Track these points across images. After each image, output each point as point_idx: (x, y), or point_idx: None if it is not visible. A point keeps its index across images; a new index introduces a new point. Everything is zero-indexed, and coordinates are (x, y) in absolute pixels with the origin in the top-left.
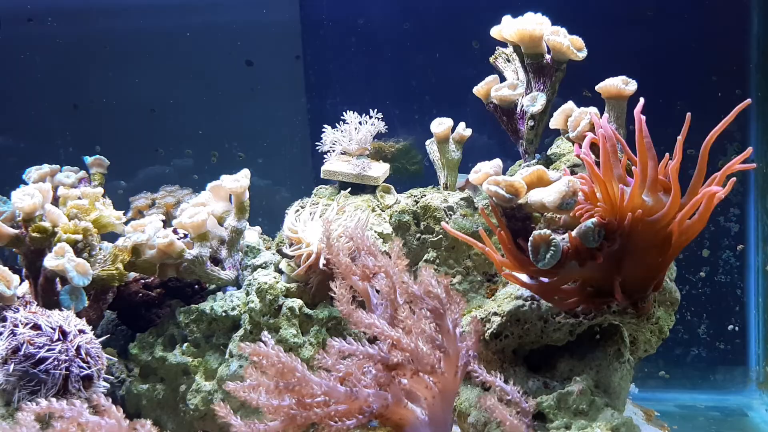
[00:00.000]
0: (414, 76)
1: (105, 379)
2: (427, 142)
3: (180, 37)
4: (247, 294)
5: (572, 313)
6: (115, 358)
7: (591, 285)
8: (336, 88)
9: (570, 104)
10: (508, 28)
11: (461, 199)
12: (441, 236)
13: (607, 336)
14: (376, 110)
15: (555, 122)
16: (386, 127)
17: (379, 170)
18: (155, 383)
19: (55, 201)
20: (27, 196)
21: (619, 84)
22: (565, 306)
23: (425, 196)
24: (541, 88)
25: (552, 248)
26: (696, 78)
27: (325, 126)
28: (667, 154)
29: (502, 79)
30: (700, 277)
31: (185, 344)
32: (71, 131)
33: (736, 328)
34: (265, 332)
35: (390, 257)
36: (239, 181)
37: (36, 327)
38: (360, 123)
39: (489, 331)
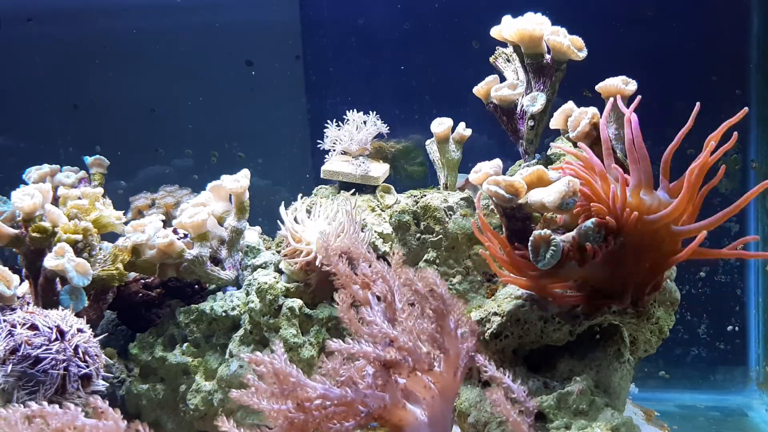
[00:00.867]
0: (414, 76)
1: (104, 378)
2: (427, 142)
3: (180, 37)
4: (247, 294)
5: (572, 313)
6: (114, 358)
7: (591, 285)
8: (336, 88)
9: (570, 104)
10: (508, 28)
11: (461, 199)
12: (441, 236)
13: (607, 336)
14: (376, 111)
15: (555, 122)
16: (387, 127)
17: (379, 170)
18: (155, 383)
19: (55, 201)
20: (27, 196)
21: (619, 84)
22: (565, 304)
23: (425, 196)
24: (541, 88)
25: (552, 248)
26: (696, 78)
27: (328, 122)
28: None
29: (502, 79)
30: (700, 277)
31: (185, 344)
32: (71, 131)
33: (736, 328)
34: (277, 341)
35: (387, 262)
36: (239, 181)
37: (33, 327)
38: (363, 123)
39: (489, 331)
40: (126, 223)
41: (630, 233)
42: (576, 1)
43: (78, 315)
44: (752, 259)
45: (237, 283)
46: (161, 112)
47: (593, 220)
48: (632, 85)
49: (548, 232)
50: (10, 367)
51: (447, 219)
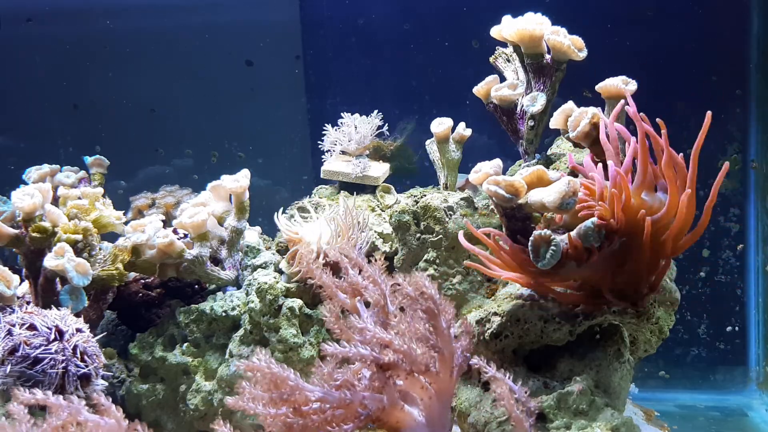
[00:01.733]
0: (414, 76)
1: (103, 377)
2: (427, 142)
3: (180, 37)
4: (247, 294)
5: (572, 313)
6: (114, 358)
7: (591, 285)
8: (336, 88)
9: (570, 104)
10: (508, 28)
11: (461, 199)
12: (441, 236)
13: (607, 336)
14: (376, 110)
15: (555, 122)
16: (387, 127)
17: (379, 170)
18: (155, 383)
19: (55, 201)
20: (27, 196)
21: (619, 84)
22: (566, 302)
23: (425, 196)
24: (541, 88)
25: (552, 248)
26: (696, 78)
27: (327, 126)
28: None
29: (502, 79)
30: (700, 277)
31: (185, 344)
32: (71, 131)
33: (736, 328)
34: (258, 348)
35: (374, 265)
36: (239, 181)
37: (32, 327)
38: (360, 123)
39: (489, 331)
40: (126, 223)
41: (631, 234)
42: (576, 1)
43: (78, 315)
44: (751, 259)
45: (237, 283)
46: (161, 112)
47: (593, 219)
48: (632, 85)
49: (548, 232)
50: (9, 368)
51: (447, 219)
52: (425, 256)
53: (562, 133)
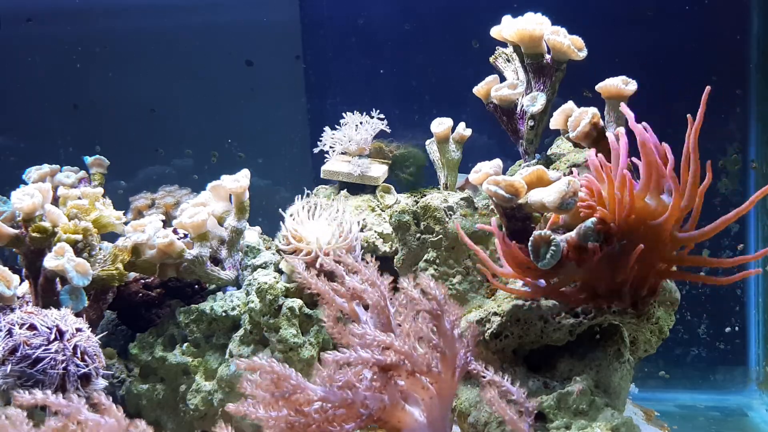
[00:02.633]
0: (414, 76)
1: (104, 377)
2: (427, 142)
3: (180, 37)
4: (247, 294)
5: (572, 313)
6: (114, 358)
7: (591, 286)
8: (336, 88)
9: (570, 104)
10: (508, 28)
11: (461, 199)
12: (441, 236)
13: (607, 336)
14: (376, 110)
15: (555, 122)
16: (388, 127)
17: (379, 170)
18: (155, 383)
19: (55, 201)
20: (27, 196)
21: (619, 84)
22: (566, 303)
23: (425, 196)
24: (541, 88)
25: (552, 248)
26: (696, 78)
27: (326, 128)
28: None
29: (502, 79)
30: None
31: (185, 344)
32: (71, 131)
33: (736, 328)
34: (267, 348)
35: (370, 267)
36: (239, 181)
37: (32, 327)
38: (360, 123)
39: (489, 331)
40: (126, 223)
41: (632, 236)
42: (576, 1)
43: (78, 315)
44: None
45: (237, 283)
46: (161, 112)
47: (593, 220)
48: (632, 85)
49: (548, 232)
50: (9, 368)
51: (447, 219)
52: (425, 256)
53: (562, 133)
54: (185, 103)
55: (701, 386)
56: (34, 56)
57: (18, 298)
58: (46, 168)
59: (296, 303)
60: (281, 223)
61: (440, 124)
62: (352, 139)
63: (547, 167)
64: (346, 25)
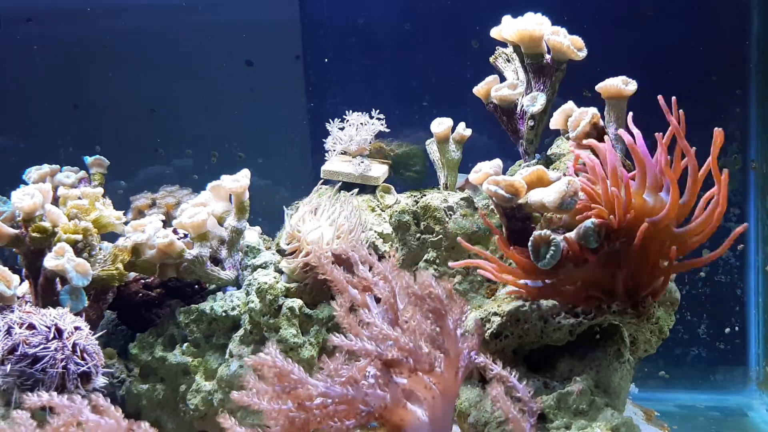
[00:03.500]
0: (414, 76)
1: (103, 375)
2: (427, 142)
3: (180, 37)
4: (247, 294)
5: (572, 313)
6: (114, 358)
7: (591, 285)
8: (336, 88)
9: (570, 104)
10: (508, 28)
11: (461, 199)
12: (441, 236)
13: (607, 336)
14: (376, 110)
15: (555, 122)
16: (388, 127)
17: (379, 170)
18: (155, 383)
19: (55, 201)
20: (27, 196)
21: (619, 84)
22: (566, 303)
23: (425, 196)
24: (541, 88)
25: (552, 248)
26: (696, 78)
27: (330, 121)
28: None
29: (502, 79)
30: (700, 277)
31: (185, 344)
32: (71, 131)
33: (736, 328)
34: (268, 342)
35: (386, 262)
36: (239, 181)
37: (31, 326)
38: (361, 123)
39: (489, 331)
40: (126, 223)
41: (631, 235)
42: (576, 1)
43: (78, 315)
44: (751, 259)
45: (237, 283)
46: (161, 112)
47: (593, 220)
48: (632, 85)
49: (548, 232)
50: (8, 367)
51: (447, 219)
52: (425, 256)
53: (562, 133)
54: (185, 103)
55: (701, 386)
56: (34, 56)
57: (18, 298)
58: (46, 168)
59: (296, 303)
60: (285, 216)
61: (440, 124)
62: (352, 139)
63: (547, 167)
64: (346, 25)
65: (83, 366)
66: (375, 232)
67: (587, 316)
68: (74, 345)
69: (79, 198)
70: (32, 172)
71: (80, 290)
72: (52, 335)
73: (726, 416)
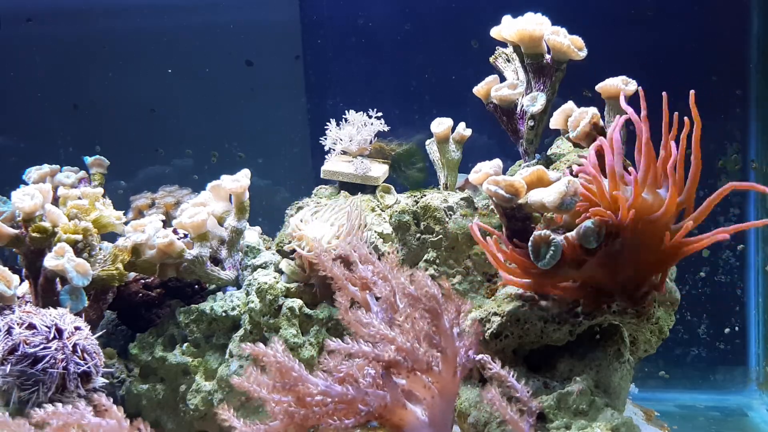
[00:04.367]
0: (414, 76)
1: (103, 374)
2: (427, 142)
3: (180, 37)
4: (247, 294)
5: (572, 313)
6: (114, 358)
7: (591, 285)
8: (336, 88)
9: (570, 104)
10: (508, 28)
11: (461, 199)
12: (441, 236)
13: (607, 336)
14: (376, 110)
15: (555, 122)
16: (388, 127)
17: (379, 170)
18: (155, 383)
19: (55, 201)
20: (27, 197)
21: (619, 84)
22: (566, 302)
23: (425, 196)
24: (541, 88)
25: (552, 248)
26: (696, 78)
27: (330, 121)
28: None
29: (502, 79)
30: (700, 277)
31: (185, 344)
32: (71, 131)
33: (736, 328)
34: (274, 337)
35: (386, 261)
36: (239, 181)
37: (31, 326)
38: (362, 123)
39: (489, 331)
40: (126, 223)
41: (630, 233)
42: (576, 1)
43: (78, 315)
44: (751, 259)
45: (237, 283)
46: (161, 112)
47: (593, 220)
48: (632, 85)
49: (548, 232)
50: (9, 367)
51: (447, 219)
52: (425, 256)
53: (562, 133)
54: (185, 103)
55: (701, 386)
56: (34, 56)
57: (18, 298)
58: (46, 168)
59: (296, 303)
60: (285, 216)
61: (440, 124)
62: (353, 139)
63: (547, 167)
64: (346, 25)
65: (84, 366)
66: (375, 232)
67: (587, 316)
68: (74, 345)
69: (79, 198)
70: (32, 172)
71: (80, 290)
72: (52, 335)
73: (726, 416)
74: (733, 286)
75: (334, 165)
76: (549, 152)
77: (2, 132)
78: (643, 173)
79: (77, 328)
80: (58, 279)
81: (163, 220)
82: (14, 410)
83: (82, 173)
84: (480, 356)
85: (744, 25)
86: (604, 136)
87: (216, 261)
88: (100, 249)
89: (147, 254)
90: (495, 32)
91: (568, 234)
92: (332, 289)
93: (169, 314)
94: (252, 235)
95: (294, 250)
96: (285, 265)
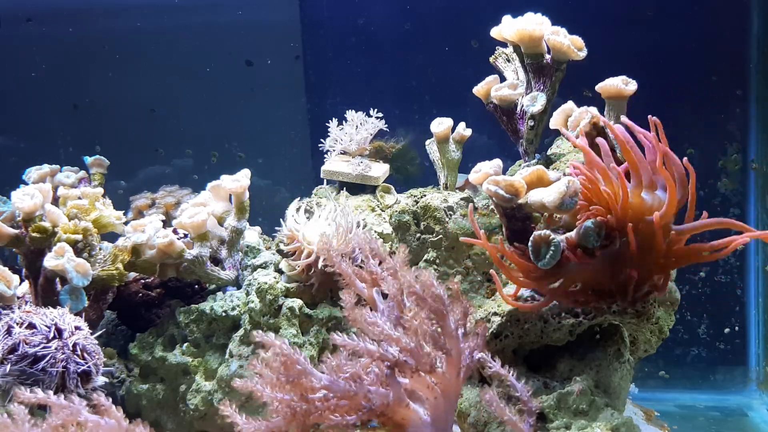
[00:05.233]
0: (414, 76)
1: (103, 374)
2: (427, 142)
3: (180, 37)
4: (247, 294)
5: (572, 313)
6: (114, 358)
7: (591, 285)
8: (336, 88)
9: (570, 104)
10: (508, 28)
11: (461, 199)
12: (441, 236)
13: (607, 336)
14: (376, 110)
15: (555, 122)
16: (387, 127)
17: (379, 170)
18: (155, 383)
19: (55, 201)
20: (27, 197)
21: (619, 84)
22: (566, 302)
23: (425, 196)
24: (541, 88)
25: (552, 248)
26: (696, 78)
27: (330, 121)
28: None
29: (502, 79)
30: (700, 277)
31: (185, 344)
32: (71, 131)
33: (736, 328)
34: (271, 333)
35: (397, 257)
36: (239, 181)
37: (31, 326)
38: (361, 123)
39: (489, 331)
40: (126, 223)
41: (630, 233)
42: (576, 1)
43: (78, 315)
44: (751, 259)
45: (237, 283)
46: (161, 112)
47: (594, 220)
48: (632, 85)
49: (548, 232)
50: (9, 367)
51: (447, 219)
52: (425, 256)
53: (562, 133)
54: (185, 103)
55: (701, 386)
56: (34, 56)
57: (18, 298)
58: (46, 168)
59: (296, 303)
60: (282, 221)
61: (440, 124)
62: (352, 139)
63: (547, 167)
64: (346, 25)
65: (83, 365)
66: (375, 232)
67: (587, 316)
68: (74, 344)
69: (79, 198)
70: (32, 172)
71: (80, 290)
72: (52, 335)
73: (726, 416)
74: (733, 286)
75: (334, 165)
76: (549, 152)
77: (2, 132)
78: (635, 173)
79: (77, 328)
80: (58, 279)
81: (163, 220)
82: None
83: (82, 173)
84: (478, 355)
85: (744, 25)
86: (604, 136)
87: (216, 261)
88: (100, 249)
89: (147, 254)
90: (495, 32)
91: (569, 234)
92: (332, 289)
93: (169, 314)
94: (252, 235)
95: (293, 252)
96: (285, 265)
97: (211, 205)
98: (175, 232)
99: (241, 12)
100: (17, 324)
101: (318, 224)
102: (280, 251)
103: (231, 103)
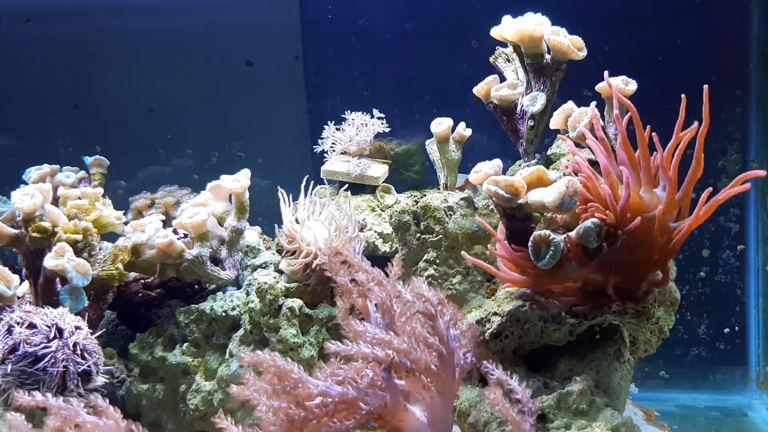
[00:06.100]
0: (414, 76)
1: (103, 374)
2: (427, 142)
3: (180, 37)
4: (247, 294)
5: (572, 313)
6: (114, 358)
7: (591, 285)
8: (336, 88)
9: (570, 104)
10: (508, 28)
11: (461, 199)
12: (441, 236)
13: (607, 336)
14: (376, 110)
15: (555, 122)
16: (388, 127)
17: (379, 170)
18: (155, 383)
19: (55, 201)
20: (27, 197)
21: (619, 84)
22: (566, 302)
23: (425, 196)
24: (541, 88)
25: (552, 248)
26: (696, 78)
27: (328, 124)
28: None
29: (502, 79)
30: (700, 277)
31: (185, 344)
32: (71, 131)
33: (736, 328)
34: (258, 351)
35: (390, 262)
36: (239, 181)
37: (32, 326)
38: (362, 123)
39: (489, 331)
40: (126, 223)
41: (630, 232)
42: (576, 1)
43: (78, 315)
44: (751, 259)
45: (237, 283)
46: (161, 112)
47: (594, 220)
48: (632, 85)
49: (548, 232)
50: (9, 367)
51: (447, 219)
52: (425, 256)
53: (562, 133)
54: (185, 103)
55: (701, 386)
56: (34, 56)
57: (18, 298)
58: (46, 168)
59: (296, 303)
60: (278, 227)
61: (440, 124)
62: (352, 139)
63: (547, 167)
64: (346, 25)
65: (84, 365)
66: (375, 232)
67: (587, 316)
68: (75, 344)
69: (79, 198)
70: (32, 172)
71: (80, 290)
72: (53, 334)
73: (726, 416)
74: (733, 286)
75: (334, 165)
76: (549, 152)
77: (2, 132)
78: (633, 173)
79: (77, 328)
80: (58, 279)
81: (163, 220)
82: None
83: (82, 173)
84: (485, 364)
85: (744, 25)
86: (604, 137)
87: (216, 261)
88: (100, 249)
89: (147, 254)
90: (495, 32)
91: (569, 234)
92: (328, 289)
93: (169, 314)
94: (252, 235)
95: (293, 252)
96: (285, 265)
97: (211, 205)
98: (175, 232)
99: (241, 12)
100: (18, 323)
101: (316, 224)
102: (280, 251)
103: (231, 103)
